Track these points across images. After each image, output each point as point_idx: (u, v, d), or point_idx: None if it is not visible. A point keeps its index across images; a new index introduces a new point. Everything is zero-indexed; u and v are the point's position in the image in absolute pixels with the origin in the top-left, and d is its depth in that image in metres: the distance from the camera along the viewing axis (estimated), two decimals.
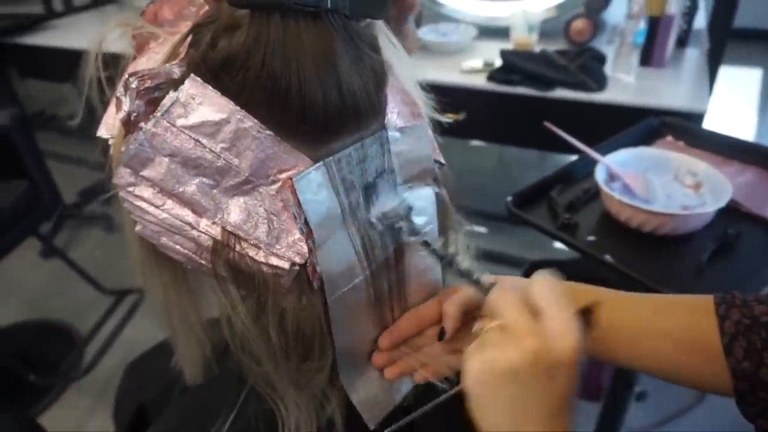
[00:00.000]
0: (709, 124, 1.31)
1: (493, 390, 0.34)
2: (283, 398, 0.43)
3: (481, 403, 0.35)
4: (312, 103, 0.33)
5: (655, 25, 1.41)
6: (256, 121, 0.33)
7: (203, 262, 0.37)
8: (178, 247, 0.37)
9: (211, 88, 0.33)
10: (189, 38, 0.36)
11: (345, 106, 0.34)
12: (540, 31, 1.59)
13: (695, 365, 0.44)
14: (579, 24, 1.58)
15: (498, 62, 1.50)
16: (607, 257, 0.77)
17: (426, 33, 1.69)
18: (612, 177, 0.89)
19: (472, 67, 1.52)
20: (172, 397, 0.62)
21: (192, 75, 0.33)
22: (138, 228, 0.37)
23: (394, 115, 0.39)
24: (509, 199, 0.89)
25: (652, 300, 0.48)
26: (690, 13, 1.53)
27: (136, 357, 0.88)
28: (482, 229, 2.02)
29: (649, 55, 1.46)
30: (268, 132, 0.33)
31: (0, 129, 1.51)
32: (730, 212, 0.83)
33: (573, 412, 0.35)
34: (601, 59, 1.46)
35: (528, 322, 0.34)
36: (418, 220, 0.42)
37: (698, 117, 1.28)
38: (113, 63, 0.41)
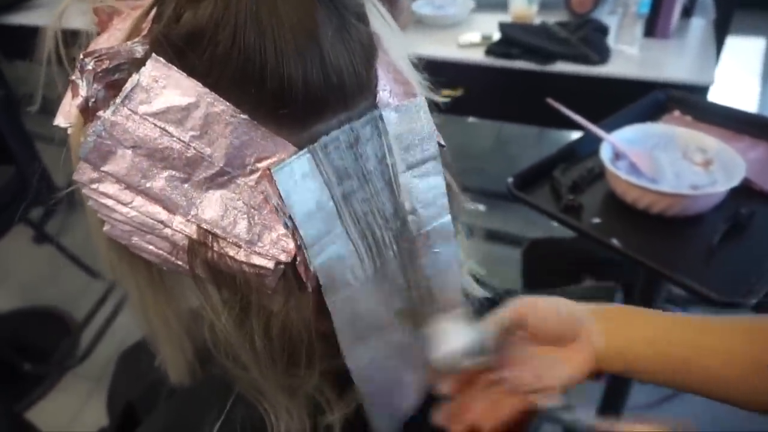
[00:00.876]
0: (712, 94, 1.27)
1: None
2: (273, 404, 0.40)
3: None
4: (291, 81, 0.29)
5: None
6: (229, 104, 0.29)
7: (180, 263, 0.33)
8: (151, 247, 0.33)
9: (176, 68, 0.29)
10: (153, 11, 0.32)
11: (329, 84, 0.30)
12: (540, 2, 1.54)
13: (752, 385, 0.41)
14: None
15: (496, 35, 1.45)
16: (614, 241, 0.74)
17: (421, 6, 1.63)
18: (618, 155, 0.85)
19: (469, 41, 1.47)
20: (159, 397, 0.60)
21: (154, 55, 0.29)
22: (106, 228, 0.33)
23: (386, 93, 0.35)
24: (510, 180, 0.85)
25: (693, 319, 0.44)
26: None
27: (129, 346, 0.86)
28: (481, 207, 1.99)
29: (653, 26, 1.41)
30: (243, 116, 0.30)
31: None
32: (742, 190, 0.79)
33: None
34: (603, 31, 1.41)
35: None
36: (425, 212, 0.38)
37: (704, 89, 1.24)
38: (74, 40, 0.37)
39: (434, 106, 0.42)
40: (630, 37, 1.38)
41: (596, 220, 0.80)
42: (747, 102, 2.66)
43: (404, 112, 0.35)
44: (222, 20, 0.28)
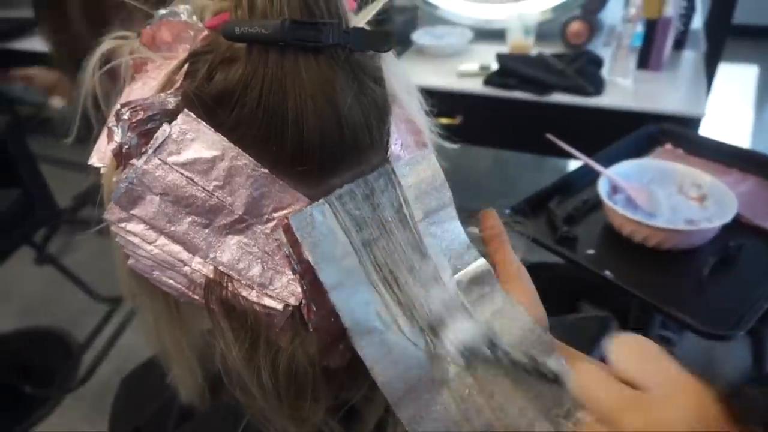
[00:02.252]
0: (705, 123, 1.30)
1: None
2: None
3: None
4: (309, 143, 0.32)
5: (652, 28, 1.41)
6: (251, 159, 0.32)
7: (196, 297, 0.36)
8: (171, 281, 0.36)
9: (204, 123, 0.32)
10: (185, 66, 0.34)
11: (345, 145, 0.33)
12: (537, 34, 1.58)
13: None
14: (576, 26, 1.57)
15: (494, 66, 1.49)
16: (607, 273, 0.77)
17: (421, 36, 1.68)
18: (615, 189, 0.88)
19: (468, 70, 1.51)
20: (167, 424, 0.61)
21: (185, 110, 0.32)
22: (131, 262, 0.36)
23: (398, 147, 0.38)
24: (507, 212, 0.88)
25: None
26: (687, 15, 1.52)
27: (132, 370, 0.87)
28: (477, 231, 2.01)
29: (646, 59, 1.45)
30: (263, 170, 0.32)
31: None
32: (731, 224, 0.81)
33: None
34: (598, 63, 1.46)
35: (628, 399, 0.27)
36: (452, 259, 0.38)
37: (696, 121, 1.27)
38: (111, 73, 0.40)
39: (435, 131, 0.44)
40: (624, 70, 1.42)
41: (590, 252, 0.83)
42: (740, 130, 2.70)
43: (414, 164, 0.37)
44: (250, 83, 0.30)
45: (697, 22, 1.65)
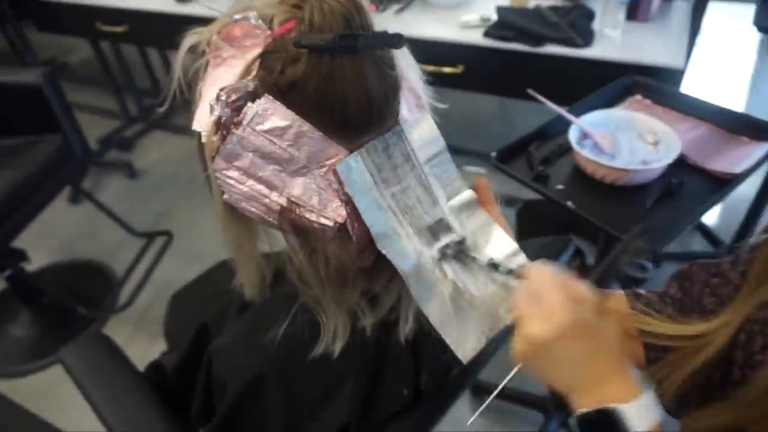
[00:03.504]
0: (697, 70, 1.35)
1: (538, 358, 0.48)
2: (326, 311, 0.60)
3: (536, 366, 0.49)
4: (350, 115, 0.47)
5: None
6: (310, 125, 0.48)
7: (272, 220, 0.53)
8: (254, 209, 0.52)
9: (279, 103, 0.47)
10: (258, 60, 0.49)
11: (372, 115, 0.49)
12: None
13: None
14: None
15: (494, 17, 1.58)
16: (569, 203, 0.94)
17: None
18: (584, 135, 1.04)
19: (469, 21, 1.60)
20: (228, 316, 0.79)
21: (266, 94, 0.48)
22: (225, 197, 0.53)
23: (404, 110, 0.53)
24: (493, 154, 1.05)
25: None
26: None
27: (181, 287, 1.00)
28: (482, 170, 2.12)
29: (635, 9, 1.51)
30: (319, 133, 0.48)
31: (34, 87, 1.62)
32: (681, 164, 0.99)
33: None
34: (590, 16, 1.55)
35: (531, 310, 0.48)
36: (446, 191, 0.54)
37: (677, 72, 1.34)
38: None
39: (438, 79, 0.56)
40: (613, 21, 1.48)
41: (560, 187, 1.00)
42: (743, 71, 2.74)
43: (416, 124, 0.53)
44: (310, 77, 0.46)
45: None
